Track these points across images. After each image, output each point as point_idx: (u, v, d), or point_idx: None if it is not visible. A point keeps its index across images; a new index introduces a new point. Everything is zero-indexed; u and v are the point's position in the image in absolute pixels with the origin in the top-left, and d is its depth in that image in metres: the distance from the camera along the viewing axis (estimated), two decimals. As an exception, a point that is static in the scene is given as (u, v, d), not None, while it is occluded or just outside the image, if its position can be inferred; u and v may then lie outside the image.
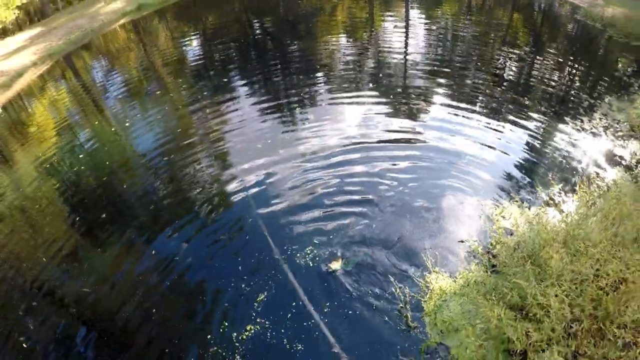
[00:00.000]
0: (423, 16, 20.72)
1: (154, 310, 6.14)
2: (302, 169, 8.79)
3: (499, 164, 8.60)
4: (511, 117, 10.40)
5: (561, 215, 6.89)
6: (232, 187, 8.57)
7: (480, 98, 11.64)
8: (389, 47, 16.12)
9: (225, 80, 14.49)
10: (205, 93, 13.47)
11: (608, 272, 5.45)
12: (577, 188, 7.24)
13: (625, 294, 5.22)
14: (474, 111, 10.77)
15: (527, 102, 11.20)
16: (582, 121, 10.09)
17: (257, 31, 21.16)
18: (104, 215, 8.30)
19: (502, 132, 9.80)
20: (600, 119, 10.14)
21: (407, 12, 21.58)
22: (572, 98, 11.51)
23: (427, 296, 5.89)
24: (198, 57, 17.89)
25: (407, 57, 14.94)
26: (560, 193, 7.66)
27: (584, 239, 6.03)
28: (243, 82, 14.01)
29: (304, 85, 13.16)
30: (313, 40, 18.11)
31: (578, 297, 5.30)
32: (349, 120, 10.63)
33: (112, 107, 13.57)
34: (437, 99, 11.58)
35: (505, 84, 12.54)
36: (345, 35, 18.90)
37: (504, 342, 5.27)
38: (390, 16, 21.14)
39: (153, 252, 7.20)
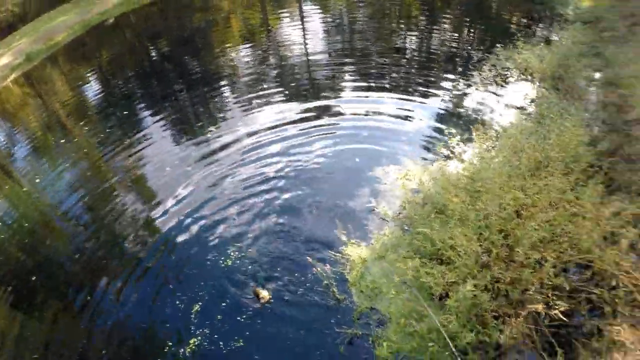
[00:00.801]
0: (317, 8, 21.41)
1: None
2: (225, 184, 9.07)
3: (403, 132, 9.43)
4: (414, 86, 11.35)
5: (463, 164, 7.76)
6: (159, 221, 8.60)
7: (383, 73, 12.48)
8: (290, 45, 16.63)
9: (132, 113, 14.36)
10: (113, 132, 13.30)
11: (509, 202, 6.20)
12: (475, 137, 8.17)
13: (527, 218, 6.00)
14: (380, 88, 11.56)
15: (427, 69, 12.23)
16: (476, 76, 11.20)
17: (154, 56, 20.93)
18: (33, 278, 8.17)
19: (406, 101, 10.68)
20: (491, 70, 11.30)
21: (300, 7, 22.20)
22: (466, 56, 12.67)
23: (349, 267, 6.52)
24: (99, 96, 17.46)
25: (309, 50, 15.54)
26: (459, 144, 8.56)
27: (484, 178, 6.86)
28: (150, 111, 13.97)
29: (211, 99, 13.38)
30: (212, 53, 18.27)
31: (485, 231, 5.94)
32: (262, 121, 11.04)
33: (20, 168, 13.07)
34: (344, 84, 12.28)
35: (406, 55, 13.50)
36: (243, 41, 19.19)
37: (427, 289, 5.78)
38: (285, 15, 21.65)
39: (91, 309, 7.05)
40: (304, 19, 19.88)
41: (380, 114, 10.22)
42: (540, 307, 4.79)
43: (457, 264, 5.70)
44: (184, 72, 16.91)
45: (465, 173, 6.92)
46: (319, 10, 20.93)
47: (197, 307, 6.48)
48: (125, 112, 14.59)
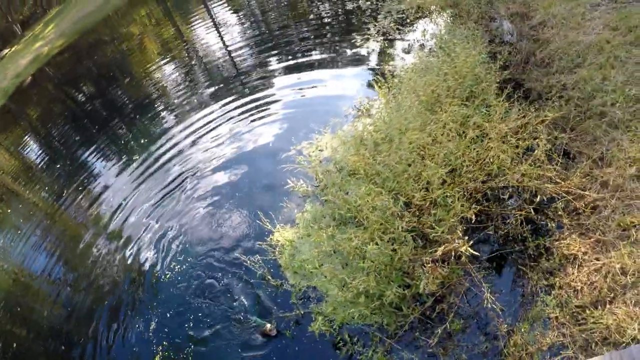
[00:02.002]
0: (225, 4, 21.10)
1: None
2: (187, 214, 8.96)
3: (316, 103, 9.54)
4: (323, 56, 11.36)
5: (370, 119, 7.83)
6: (135, 267, 8.21)
7: (296, 50, 12.56)
8: (210, 47, 16.49)
9: (74, 159, 14.16)
10: (62, 181, 13.16)
11: (410, 142, 6.19)
12: (377, 89, 8.25)
13: (431, 157, 6.02)
14: (301, 65, 11.61)
15: (330, 35, 12.23)
16: (373, 28, 11.23)
17: (82, 98, 20.55)
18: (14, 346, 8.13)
19: (319, 71, 10.77)
20: (386, 17, 11.34)
21: (208, 9, 21.87)
22: (362, 12, 12.62)
23: (279, 252, 6.66)
24: (40, 153, 17.20)
25: (230, 47, 15.43)
26: (368, 102, 8.66)
27: (385, 129, 6.90)
28: (91, 151, 13.78)
29: (147, 120, 13.32)
30: (137, 78, 18.02)
31: (390, 182, 5.91)
32: (197, 125, 11.17)
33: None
34: (269, 68, 12.30)
35: (317, 26, 13.47)
36: (163, 58, 18.88)
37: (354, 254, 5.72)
38: (196, 21, 21.30)
39: None
40: (216, 19, 19.64)
41: (298, 90, 10.31)
42: (462, 244, 4.79)
43: (371, 220, 5.76)
44: (113, 105, 16.68)
45: (370, 128, 7.01)
46: (227, 6, 20.65)
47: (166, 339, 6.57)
48: (68, 161, 14.39)
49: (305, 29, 13.77)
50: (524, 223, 5.68)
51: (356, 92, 9.15)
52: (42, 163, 16.05)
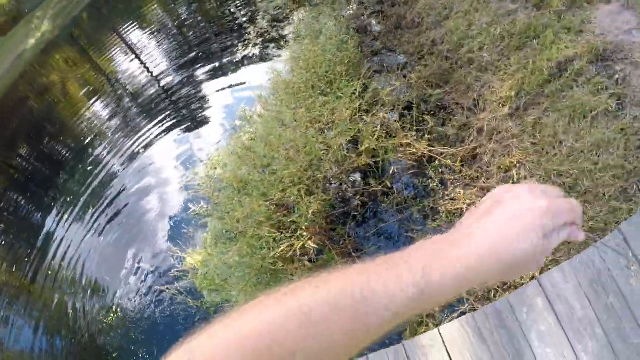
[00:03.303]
0: (137, 27, 20.64)
1: None
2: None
3: (213, 119, 9.47)
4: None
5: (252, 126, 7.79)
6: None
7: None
8: (135, 74, 16.19)
9: (26, 228, 13.84)
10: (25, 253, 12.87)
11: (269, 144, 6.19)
12: (255, 97, 8.18)
13: (287, 157, 6.10)
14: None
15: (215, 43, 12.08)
16: (252, 32, 11.16)
17: (15, 164, 20.01)
18: None
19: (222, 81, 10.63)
20: (264, 17, 11.25)
21: (122, 38, 21.37)
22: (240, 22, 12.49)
23: (192, 276, 6.69)
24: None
25: (154, 70, 15.19)
26: (251, 108, 8.59)
27: (260, 135, 6.92)
28: (38, 214, 13.53)
29: (87, 166, 13.04)
30: (69, 126, 17.62)
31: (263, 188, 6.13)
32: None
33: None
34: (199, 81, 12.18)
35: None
36: (90, 98, 18.41)
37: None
38: (114, 52, 20.78)
39: None
40: (133, 46, 19.19)
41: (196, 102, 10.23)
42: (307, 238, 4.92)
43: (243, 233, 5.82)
44: (51, 159, 16.37)
45: (245, 138, 7.01)
46: (141, 29, 20.17)
47: None
48: (24, 232, 14.05)
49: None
50: (406, 190, 5.76)
51: (240, 102, 9.11)
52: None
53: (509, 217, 0.68)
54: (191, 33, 15.07)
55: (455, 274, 0.65)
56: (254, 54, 10.29)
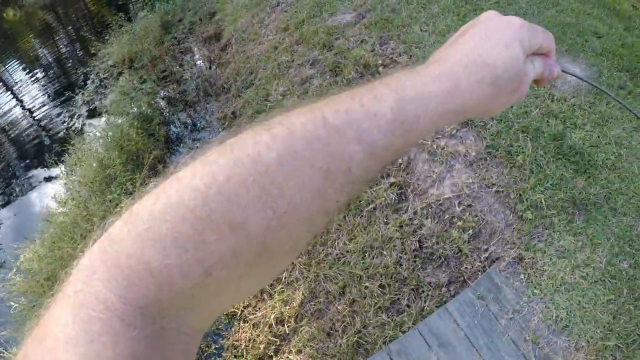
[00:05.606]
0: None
1: None
2: None
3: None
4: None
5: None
6: None
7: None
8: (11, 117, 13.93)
9: None
10: None
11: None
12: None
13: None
14: None
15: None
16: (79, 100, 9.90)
17: None
18: None
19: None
20: (94, 81, 10.04)
21: None
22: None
23: None
24: None
25: (30, 105, 13.06)
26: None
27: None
28: None
29: None
30: None
31: None
32: None
33: None
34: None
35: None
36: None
37: None
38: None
39: None
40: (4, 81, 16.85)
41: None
42: None
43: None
44: None
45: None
46: (13, 60, 17.77)
47: None
48: None
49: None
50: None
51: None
52: None
53: (485, 33, 0.63)
54: None
55: (434, 88, 0.55)
56: (74, 129, 8.90)
